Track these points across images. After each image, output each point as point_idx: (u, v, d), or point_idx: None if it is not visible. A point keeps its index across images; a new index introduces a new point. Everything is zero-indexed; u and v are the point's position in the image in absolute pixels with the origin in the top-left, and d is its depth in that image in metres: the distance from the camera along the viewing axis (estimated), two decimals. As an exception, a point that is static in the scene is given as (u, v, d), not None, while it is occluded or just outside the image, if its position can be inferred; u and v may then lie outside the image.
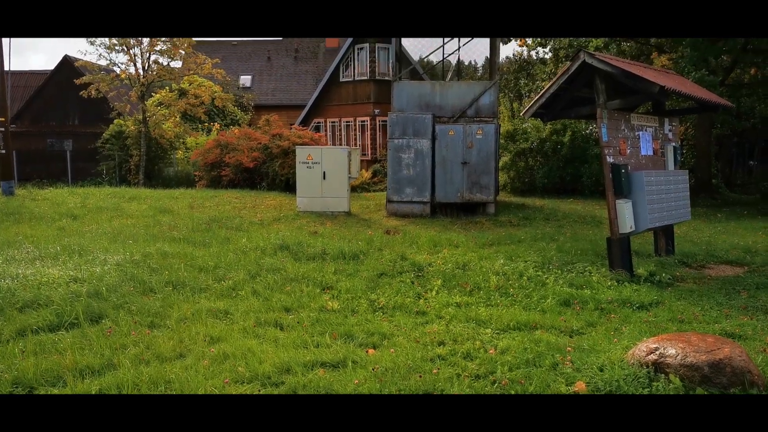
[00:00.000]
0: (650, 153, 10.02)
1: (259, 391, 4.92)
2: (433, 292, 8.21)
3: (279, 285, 8.39)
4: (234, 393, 4.83)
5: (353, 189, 18.50)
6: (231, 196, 17.57)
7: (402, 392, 4.80)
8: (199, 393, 4.79)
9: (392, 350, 5.86)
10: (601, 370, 5.22)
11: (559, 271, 9.23)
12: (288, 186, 19.54)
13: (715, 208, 17.46)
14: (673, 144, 10.65)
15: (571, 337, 6.47)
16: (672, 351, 5.01)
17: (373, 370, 5.28)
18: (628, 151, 9.42)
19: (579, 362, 5.48)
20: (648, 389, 4.84)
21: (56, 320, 6.62)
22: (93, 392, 4.85)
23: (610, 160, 9.03)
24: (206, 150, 21.58)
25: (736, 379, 4.78)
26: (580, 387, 4.89)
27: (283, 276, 8.80)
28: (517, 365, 5.44)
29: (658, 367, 5.02)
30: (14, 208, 14.49)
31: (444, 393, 4.82)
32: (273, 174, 20.12)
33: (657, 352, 5.09)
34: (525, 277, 8.87)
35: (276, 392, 4.90)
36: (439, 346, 6.04)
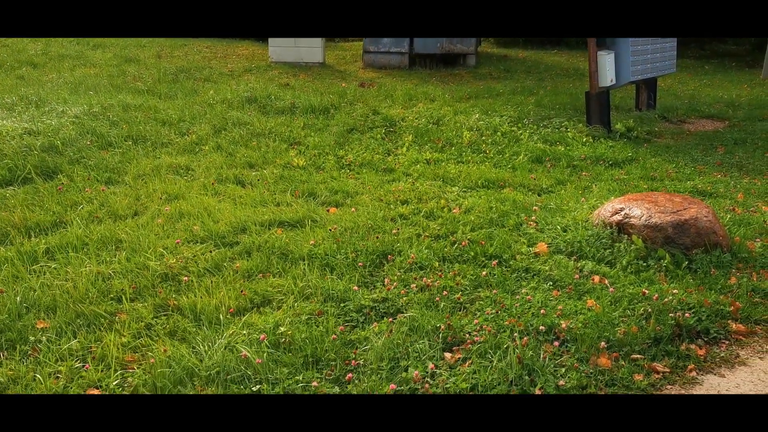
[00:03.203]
0: None
1: (211, 252, 4.77)
2: (404, 149, 7.97)
3: (244, 140, 8.09)
4: (185, 253, 4.68)
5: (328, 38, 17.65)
6: (202, 45, 16.72)
7: (358, 253, 4.68)
8: (148, 253, 4.63)
9: (354, 209, 5.69)
10: (565, 231, 5.11)
11: (535, 127, 8.98)
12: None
13: (703, 60, 16.95)
14: (664, -9, 10.02)
15: (539, 195, 6.34)
16: (637, 212, 4.88)
17: (330, 230, 5.13)
18: (615, -2, 8.84)
19: (543, 222, 5.36)
20: (609, 250, 4.75)
21: (8, 175, 6.34)
22: (40, 251, 4.69)
23: (594, 8, 8.47)
24: (175, -6, 20.35)
25: (700, 240, 4.69)
26: (541, 248, 4.79)
27: (249, 130, 8.47)
28: (480, 225, 5.31)
29: (622, 227, 4.91)
30: (-30, 55, 13.72)
31: (401, 253, 4.71)
32: (246, 21, 19.11)
33: (622, 213, 4.96)
34: (499, 133, 8.62)
35: (229, 252, 4.76)
36: (403, 205, 5.87)
